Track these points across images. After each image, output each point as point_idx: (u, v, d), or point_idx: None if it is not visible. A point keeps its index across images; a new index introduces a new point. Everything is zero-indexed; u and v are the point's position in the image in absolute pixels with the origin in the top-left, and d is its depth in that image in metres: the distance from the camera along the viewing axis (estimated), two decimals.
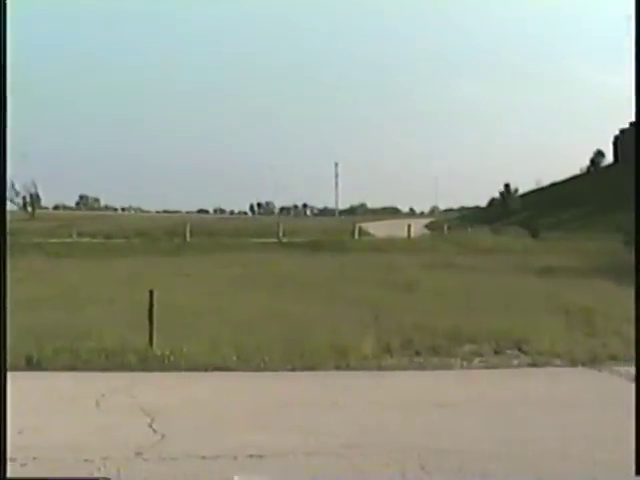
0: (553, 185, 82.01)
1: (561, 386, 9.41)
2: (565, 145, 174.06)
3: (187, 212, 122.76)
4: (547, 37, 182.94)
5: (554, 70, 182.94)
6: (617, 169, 78.59)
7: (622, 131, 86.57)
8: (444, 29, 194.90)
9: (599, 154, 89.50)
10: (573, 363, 10.44)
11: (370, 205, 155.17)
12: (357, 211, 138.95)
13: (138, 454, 6.49)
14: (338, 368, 10.21)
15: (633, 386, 9.10)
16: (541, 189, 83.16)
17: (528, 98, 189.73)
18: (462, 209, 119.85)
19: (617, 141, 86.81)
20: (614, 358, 10.53)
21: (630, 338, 11.56)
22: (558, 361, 10.59)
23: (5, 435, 4.75)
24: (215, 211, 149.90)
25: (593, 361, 10.40)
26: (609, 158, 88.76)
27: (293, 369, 10.13)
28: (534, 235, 44.11)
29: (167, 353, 10.46)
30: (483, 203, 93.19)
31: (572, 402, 8.44)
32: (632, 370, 9.69)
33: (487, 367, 10.56)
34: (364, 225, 57.67)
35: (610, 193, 60.67)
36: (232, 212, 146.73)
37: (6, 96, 4.83)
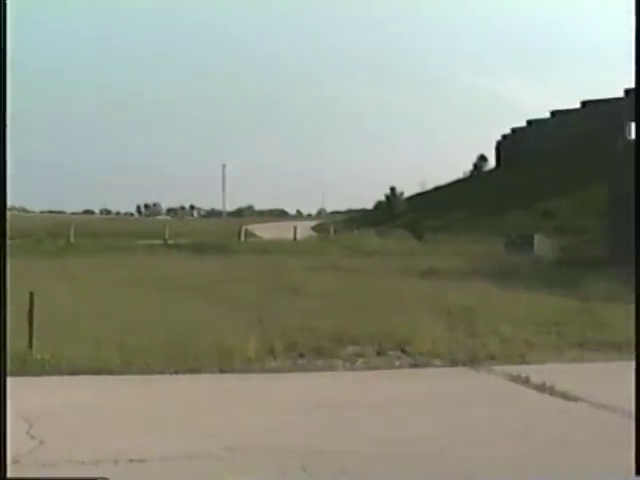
0: (438, 188, 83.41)
1: (441, 386, 9.60)
2: (450, 149, 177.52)
3: (72, 213, 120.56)
4: (433, 42, 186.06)
5: (440, 74, 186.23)
6: (499, 173, 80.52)
7: (504, 136, 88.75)
8: (331, 30, 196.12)
9: (482, 158, 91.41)
10: (453, 363, 10.66)
11: (257, 207, 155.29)
12: (244, 213, 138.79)
13: (15, 461, 6.33)
14: (222, 371, 10.17)
15: (510, 384, 9.44)
16: (426, 192, 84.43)
17: (414, 101, 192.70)
18: (349, 211, 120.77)
19: (499, 146, 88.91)
20: (492, 358, 10.82)
21: (507, 338, 11.95)
22: (439, 361, 10.80)
23: (5, 435, 4.63)
24: (101, 212, 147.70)
25: (472, 361, 10.64)
26: (492, 162, 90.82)
27: (177, 372, 10.05)
28: (419, 237, 44.80)
29: (47, 357, 10.22)
30: (370, 206, 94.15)
31: (451, 401, 8.62)
32: (509, 369, 10.03)
33: (370, 368, 10.69)
34: (251, 227, 57.67)
35: (492, 197, 62.08)
36: (118, 213, 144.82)
37: (6, 96, 4.72)
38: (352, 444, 6.88)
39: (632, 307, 15.10)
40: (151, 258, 29.39)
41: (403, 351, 11.35)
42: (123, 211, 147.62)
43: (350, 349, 11.40)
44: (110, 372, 9.88)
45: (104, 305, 14.93)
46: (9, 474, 5.49)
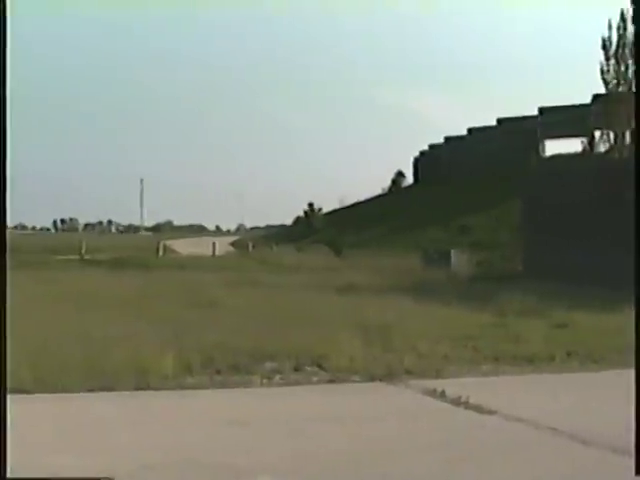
0: (356, 204, 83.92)
1: (358, 401, 9.61)
2: (369, 165, 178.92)
3: None
4: (353, 58, 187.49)
5: (358, 91, 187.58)
6: (417, 189, 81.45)
7: (421, 153, 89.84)
8: (251, 48, 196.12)
9: (400, 175, 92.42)
10: (371, 378, 10.68)
11: (176, 222, 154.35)
12: (163, 228, 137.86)
13: None
14: (138, 388, 10.02)
15: (427, 399, 9.51)
16: (345, 208, 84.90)
17: (334, 117, 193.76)
18: (268, 227, 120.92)
19: (417, 162, 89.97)
20: (409, 372, 10.87)
21: (424, 353, 12.05)
22: (356, 377, 10.81)
23: (5, 435, 4.79)
24: (16, 227, 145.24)
25: (390, 376, 10.67)
26: (410, 179, 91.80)
27: (92, 390, 9.87)
28: (337, 253, 45.02)
29: None
30: (289, 221, 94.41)
31: (368, 417, 8.64)
32: (425, 383, 10.11)
33: (287, 384, 10.65)
34: (169, 242, 57.31)
35: (410, 212, 62.76)
36: (34, 228, 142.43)
37: (6, 96, 4.63)
38: (268, 460, 6.85)
39: (544, 321, 15.45)
40: (67, 274, 28.98)
41: (320, 367, 11.32)
42: (39, 226, 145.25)
43: (267, 365, 11.35)
44: (24, 391, 9.65)
45: (18, 322, 14.60)
46: (9, 474, 5.37)
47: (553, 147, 79.26)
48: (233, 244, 70.86)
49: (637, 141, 5.18)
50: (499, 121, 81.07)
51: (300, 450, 7.18)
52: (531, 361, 12.12)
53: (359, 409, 9.12)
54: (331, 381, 10.71)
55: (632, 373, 11.71)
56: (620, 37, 57.18)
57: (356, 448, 7.24)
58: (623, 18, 57.20)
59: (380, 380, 10.59)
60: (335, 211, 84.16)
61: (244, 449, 7.23)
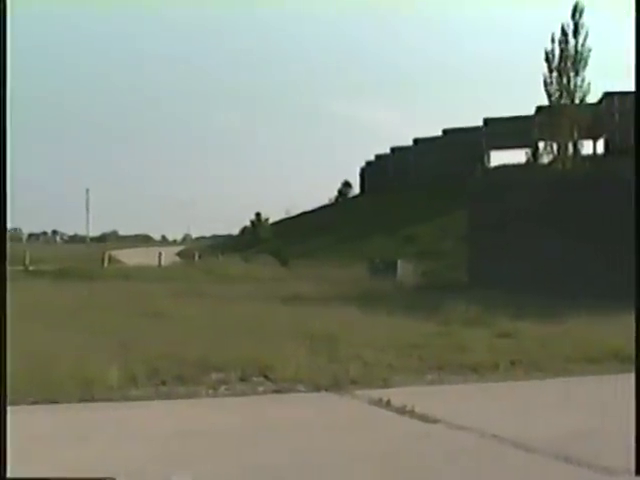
0: (303, 214, 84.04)
1: (304, 412, 9.62)
2: (316, 175, 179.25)
3: None
4: (298, 68, 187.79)
5: (305, 101, 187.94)
6: (363, 199, 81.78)
7: (368, 163, 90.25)
8: (200, 55, 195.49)
9: (346, 185, 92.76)
10: (317, 388, 10.69)
11: (122, 232, 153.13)
12: (108, 238, 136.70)
13: None
14: (82, 400, 9.93)
15: (372, 408, 9.54)
16: (291, 218, 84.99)
17: (280, 127, 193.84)
18: (215, 237, 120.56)
19: (363, 172, 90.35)
20: (355, 382, 10.90)
21: (370, 362, 12.10)
22: (302, 387, 10.82)
23: (5, 433, 4.98)
24: None
25: (335, 386, 10.69)
26: (356, 189, 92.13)
27: (35, 402, 9.76)
28: (284, 263, 45.05)
29: None
30: (236, 231, 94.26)
31: (313, 427, 8.66)
32: (371, 393, 10.15)
33: (233, 395, 10.63)
34: (115, 252, 56.89)
35: (357, 222, 62.98)
36: None
37: (6, 97, 4.59)
38: (217, 471, 6.84)
39: (488, 330, 15.58)
40: (10, 284, 28.57)
41: (267, 377, 11.32)
42: None
43: (213, 376, 11.31)
44: None
45: None
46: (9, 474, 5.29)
47: (498, 158, 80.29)
48: (179, 254, 70.54)
49: (637, 141, 5.23)
50: (444, 132, 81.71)
51: (245, 462, 7.17)
52: (475, 370, 12.22)
53: (304, 420, 9.13)
54: (277, 391, 10.71)
55: (576, 381, 11.95)
56: (562, 50, 58.15)
57: (300, 460, 7.25)
58: (565, 32, 58.27)
59: (326, 390, 10.60)
60: (282, 221, 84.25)
61: (189, 461, 7.20)
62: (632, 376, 12.44)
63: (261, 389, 10.88)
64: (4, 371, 4.68)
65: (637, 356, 5.62)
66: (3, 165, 4.68)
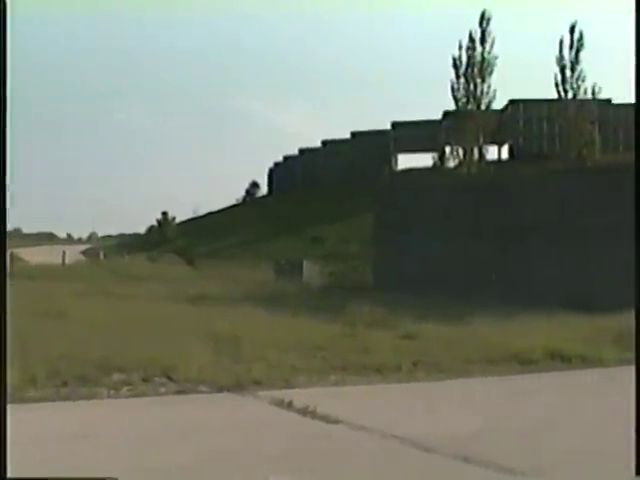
0: (210, 214, 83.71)
1: (205, 413, 9.57)
2: (223, 175, 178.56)
3: None
4: (206, 66, 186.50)
5: (214, 99, 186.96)
6: (271, 200, 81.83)
7: (276, 164, 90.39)
8: (108, 52, 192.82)
9: (254, 185, 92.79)
10: (219, 389, 10.65)
11: (25, 230, 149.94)
12: (11, 236, 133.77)
13: None
14: None
15: (274, 409, 9.55)
16: (199, 218, 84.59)
17: (189, 126, 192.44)
18: (121, 236, 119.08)
19: (271, 173, 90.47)
20: (258, 383, 10.89)
21: (273, 363, 12.11)
22: (205, 387, 10.77)
23: (5, 434, 5.03)
24: None
25: (238, 387, 10.67)
26: (264, 189, 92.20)
27: None
28: (190, 263, 44.81)
29: None
30: (142, 230, 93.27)
31: (214, 428, 8.61)
32: (273, 394, 10.16)
33: (135, 395, 10.51)
34: (17, 251, 55.55)
35: (264, 223, 62.97)
36: None
37: (6, 97, 4.45)
38: (115, 473, 6.73)
39: (392, 332, 15.72)
40: None
41: (169, 378, 11.23)
42: None
43: (115, 377, 11.16)
44: None
45: None
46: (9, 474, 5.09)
47: (405, 161, 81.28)
48: (84, 253, 69.48)
49: (637, 142, 5.29)
50: (353, 134, 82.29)
51: (146, 464, 7.10)
52: (379, 371, 12.33)
53: (206, 421, 9.09)
54: (179, 392, 10.63)
55: (476, 382, 12.16)
56: (469, 57, 59.25)
57: (201, 461, 7.21)
58: (472, 39, 59.38)
59: (228, 391, 10.57)
60: (189, 220, 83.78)
61: (89, 464, 7.10)
62: (530, 377, 12.81)
63: (163, 390, 10.78)
64: (4, 371, 4.62)
65: (637, 355, 5.72)
66: (3, 165, 4.61)
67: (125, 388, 10.81)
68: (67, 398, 10.23)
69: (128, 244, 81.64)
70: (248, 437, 8.18)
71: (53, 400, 10.16)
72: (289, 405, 9.52)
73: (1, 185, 4.60)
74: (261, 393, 10.38)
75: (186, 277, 33.93)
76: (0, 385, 4.64)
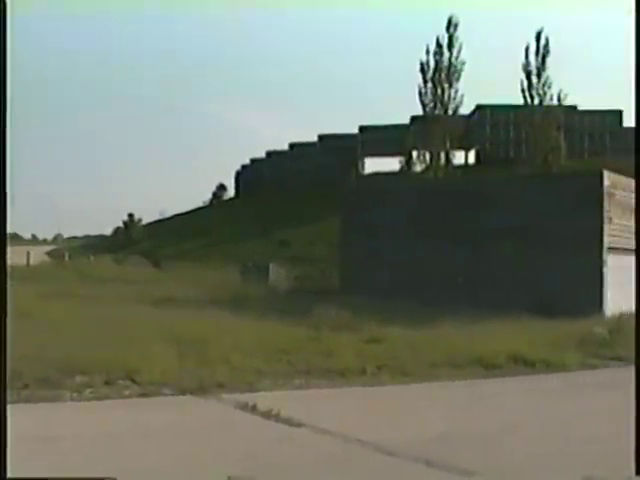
0: (177, 216, 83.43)
1: (168, 415, 9.52)
2: (191, 177, 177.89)
3: None
4: (173, 69, 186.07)
5: (181, 101, 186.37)
6: (238, 203, 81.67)
7: (243, 166, 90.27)
8: (70, 53, 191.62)
9: (221, 187, 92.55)
10: (183, 392, 10.60)
11: None
12: None
13: None
14: None
15: (237, 412, 9.51)
16: (165, 220, 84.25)
17: (156, 128, 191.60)
18: (87, 237, 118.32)
19: (238, 176, 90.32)
20: (222, 386, 10.87)
21: (238, 366, 12.07)
22: (168, 390, 10.71)
23: (5, 434, 5.04)
24: None
25: (202, 390, 10.63)
26: (231, 192, 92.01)
27: None
28: (156, 265, 44.58)
29: None
30: (108, 232, 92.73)
31: (177, 431, 8.57)
32: (237, 397, 10.12)
33: (98, 398, 10.44)
34: None
35: (231, 225, 62.83)
36: None
37: (6, 97, 4.43)
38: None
39: (358, 335, 15.70)
40: None
41: (133, 380, 11.16)
42: None
43: (78, 379, 11.07)
44: None
45: None
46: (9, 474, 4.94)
47: (373, 165, 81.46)
48: (49, 254, 68.91)
49: (637, 143, 5.29)
50: (320, 138, 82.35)
51: (109, 467, 7.04)
52: (343, 375, 12.34)
53: (169, 424, 9.04)
54: (143, 395, 10.57)
55: (440, 386, 12.20)
56: (437, 62, 59.54)
57: (163, 464, 7.17)
58: (439, 44, 59.68)
59: (192, 394, 10.53)
60: (155, 222, 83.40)
61: (50, 467, 7.04)
62: (494, 381, 12.88)
63: (127, 392, 10.72)
64: (4, 371, 4.59)
65: (637, 356, 5.73)
66: (3, 165, 4.59)
67: (88, 390, 10.73)
68: (28, 400, 10.12)
69: (94, 245, 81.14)
70: (210, 440, 8.15)
71: (14, 402, 10.05)
72: (253, 408, 9.50)
73: (1, 185, 4.59)
74: (225, 396, 10.35)
75: (152, 279, 33.73)
76: (0, 385, 4.62)
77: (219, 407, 9.95)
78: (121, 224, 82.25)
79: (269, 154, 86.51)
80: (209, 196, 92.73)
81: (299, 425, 8.69)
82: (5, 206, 4.73)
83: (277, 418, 9.01)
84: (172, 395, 10.55)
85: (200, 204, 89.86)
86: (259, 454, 7.57)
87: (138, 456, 7.45)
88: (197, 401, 10.26)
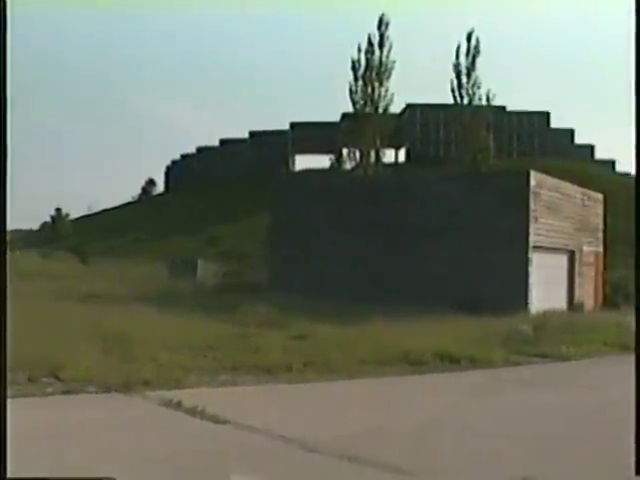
0: (105, 211, 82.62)
1: (92, 413, 9.40)
2: (120, 172, 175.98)
3: None
4: (108, 65, 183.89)
5: (113, 95, 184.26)
6: (167, 198, 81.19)
7: (173, 162, 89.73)
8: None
9: (151, 183, 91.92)
10: (107, 389, 10.49)
11: None
12: None
13: None
14: None
15: (162, 409, 9.44)
16: (93, 214, 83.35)
17: (84, 123, 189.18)
18: (14, 232, 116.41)
19: (168, 171, 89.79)
20: (147, 383, 10.77)
21: (164, 363, 12.00)
22: (92, 388, 10.59)
23: (5, 435, 5.07)
24: None
25: (127, 387, 10.53)
26: (161, 187, 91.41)
27: None
28: (83, 260, 44.10)
29: None
30: (36, 226, 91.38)
31: (100, 428, 8.49)
32: (163, 394, 10.05)
33: (21, 396, 10.24)
34: None
35: (160, 221, 62.42)
36: None
37: (6, 96, 4.56)
38: None
39: (285, 332, 15.73)
40: None
41: (57, 377, 11.00)
42: None
43: None
44: None
45: None
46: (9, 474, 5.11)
47: (303, 162, 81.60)
48: None
49: (637, 144, 5.31)
50: (251, 134, 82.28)
51: (32, 466, 6.94)
52: (269, 371, 12.35)
53: (92, 421, 8.94)
54: (66, 392, 10.43)
55: (366, 383, 12.28)
56: (368, 60, 59.78)
57: (86, 462, 7.10)
58: (371, 42, 59.94)
59: (116, 391, 10.43)
60: (83, 217, 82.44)
61: None
62: (421, 378, 13.00)
63: (50, 390, 10.56)
64: (4, 371, 4.50)
65: (637, 354, 5.77)
66: (3, 166, 4.49)
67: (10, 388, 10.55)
68: None
69: (20, 240, 79.82)
70: (134, 438, 8.09)
71: None
72: (178, 405, 9.45)
73: (1, 185, 4.52)
74: (150, 393, 10.27)
75: (78, 274, 33.40)
76: (0, 385, 4.56)
77: (144, 404, 9.87)
78: (49, 219, 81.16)
79: (199, 150, 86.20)
80: (138, 192, 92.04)
81: (224, 422, 8.67)
82: (5, 206, 4.66)
83: (202, 415, 8.97)
84: (96, 392, 10.43)
85: (129, 199, 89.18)
86: (181, 451, 7.52)
87: (60, 454, 7.36)
88: (122, 398, 10.15)
